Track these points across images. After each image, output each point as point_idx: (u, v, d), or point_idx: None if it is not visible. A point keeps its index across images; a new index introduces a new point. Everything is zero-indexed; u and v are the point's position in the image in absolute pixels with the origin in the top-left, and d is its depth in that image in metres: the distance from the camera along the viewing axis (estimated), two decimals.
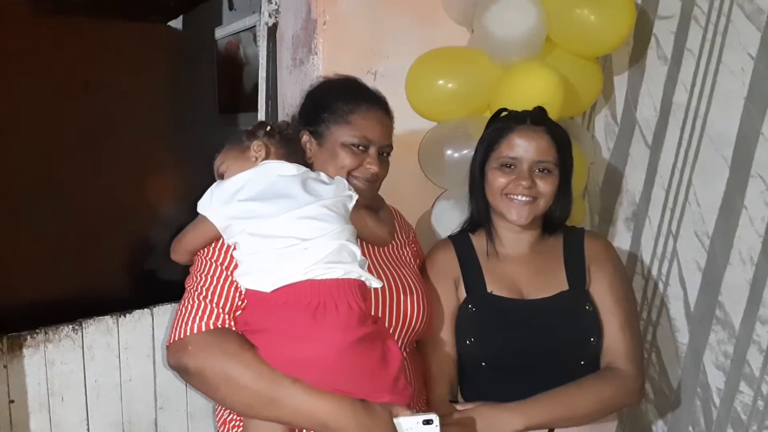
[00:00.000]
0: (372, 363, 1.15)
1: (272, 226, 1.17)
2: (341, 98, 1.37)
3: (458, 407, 1.42)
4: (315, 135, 1.37)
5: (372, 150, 1.35)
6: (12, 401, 1.81)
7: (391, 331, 1.31)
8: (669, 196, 1.80)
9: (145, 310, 1.98)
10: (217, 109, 3.08)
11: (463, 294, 1.50)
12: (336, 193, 1.26)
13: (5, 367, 1.79)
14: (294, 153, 1.34)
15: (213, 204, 1.23)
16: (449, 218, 1.76)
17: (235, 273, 1.20)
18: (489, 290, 1.48)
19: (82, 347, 1.90)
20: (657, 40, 1.84)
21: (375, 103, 1.39)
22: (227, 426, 1.33)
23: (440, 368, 1.47)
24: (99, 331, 1.93)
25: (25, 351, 1.82)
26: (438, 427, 1.17)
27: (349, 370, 1.13)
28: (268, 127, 1.34)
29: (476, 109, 1.85)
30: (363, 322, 1.15)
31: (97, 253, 2.04)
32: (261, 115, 2.23)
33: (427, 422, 1.17)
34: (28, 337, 1.82)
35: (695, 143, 1.74)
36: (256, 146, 1.30)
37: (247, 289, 1.19)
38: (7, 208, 1.96)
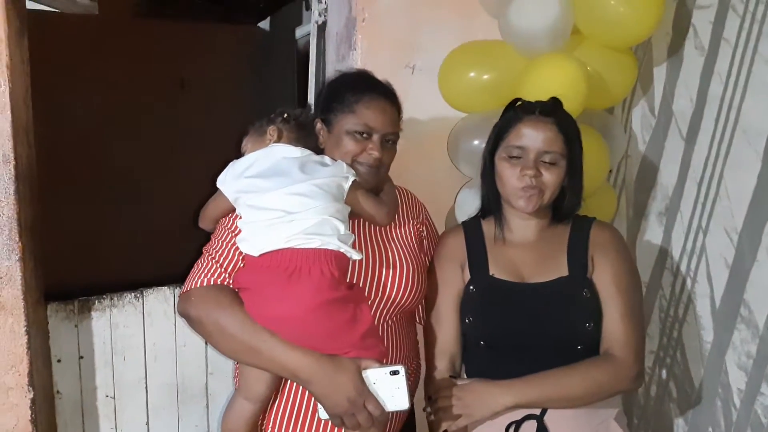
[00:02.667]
0: (340, 322, 1.27)
1: (266, 199, 1.31)
2: (348, 89, 1.48)
3: (455, 381, 1.49)
4: (326, 123, 1.49)
5: (375, 137, 1.44)
6: (81, 357, 2.07)
7: (371, 300, 1.42)
8: (701, 190, 1.75)
9: None
10: (296, 104, 3.28)
11: (467, 276, 1.55)
12: (332, 173, 1.37)
13: (76, 326, 2.05)
14: (306, 138, 1.48)
15: (227, 179, 1.40)
16: (470, 206, 1.81)
17: (237, 238, 1.36)
18: (491, 273, 1.53)
19: (143, 313, 2.13)
20: (695, 30, 1.80)
21: (379, 92, 1.48)
22: (237, 371, 1.50)
23: (442, 345, 1.54)
24: (158, 299, 2.15)
25: (93, 314, 2.07)
26: (404, 376, 1.27)
27: (317, 328, 1.26)
28: (285, 114, 1.49)
29: (506, 101, 1.87)
30: (335, 287, 1.27)
31: (163, 233, 2.25)
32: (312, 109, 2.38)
33: (394, 373, 1.27)
34: (96, 301, 2.07)
35: (728, 136, 1.69)
36: (271, 130, 1.46)
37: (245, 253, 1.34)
38: (93, 193, 2.21)
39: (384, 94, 1.49)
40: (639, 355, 1.43)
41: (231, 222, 1.40)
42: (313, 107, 2.33)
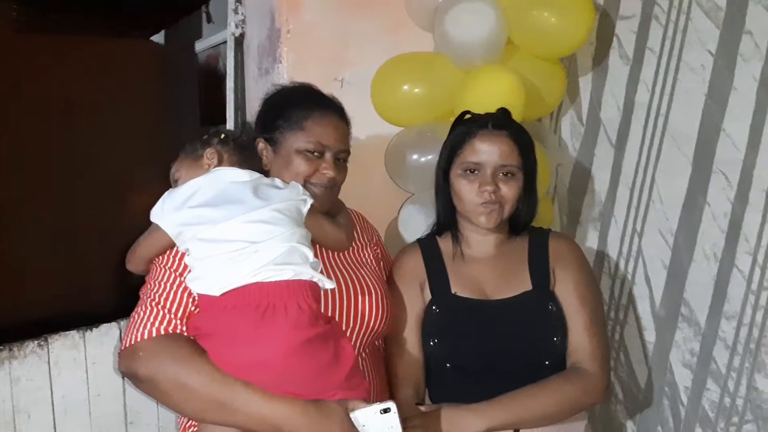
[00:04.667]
0: (323, 362, 1.15)
1: (222, 230, 1.17)
2: (295, 104, 1.37)
3: (423, 409, 1.42)
4: (270, 142, 1.37)
5: (328, 155, 1.35)
6: None
7: (348, 331, 1.31)
8: (633, 194, 1.81)
9: (112, 323, 1.96)
10: (199, 121, 3.08)
11: (428, 296, 1.50)
12: (289, 197, 1.26)
13: None
14: (249, 160, 1.35)
15: (164, 212, 1.23)
16: (415, 222, 1.76)
17: (187, 278, 1.19)
18: (453, 291, 1.48)
19: (48, 363, 1.87)
20: (619, 40, 1.85)
21: (329, 108, 1.39)
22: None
23: (406, 370, 1.47)
24: (65, 346, 1.90)
25: None
26: (396, 414, 1.17)
27: (298, 371, 1.13)
28: (222, 135, 1.35)
29: (441, 114, 1.85)
30: (314, 322, 1.15)
31: (64, 269, 2.02)
32: (230, 125, 2.23)
33: (385, 411, 1.17)
34: None
35: (657, 141, 1.75)
36: (209, 154, 1.31)
37: (198, 294, 1.19)
38: None
39: (334, 109, 1.40)
40: (606, 366, 1.44)
41: (171, 261, 1.23)
42: (240, 125, 2.19)
